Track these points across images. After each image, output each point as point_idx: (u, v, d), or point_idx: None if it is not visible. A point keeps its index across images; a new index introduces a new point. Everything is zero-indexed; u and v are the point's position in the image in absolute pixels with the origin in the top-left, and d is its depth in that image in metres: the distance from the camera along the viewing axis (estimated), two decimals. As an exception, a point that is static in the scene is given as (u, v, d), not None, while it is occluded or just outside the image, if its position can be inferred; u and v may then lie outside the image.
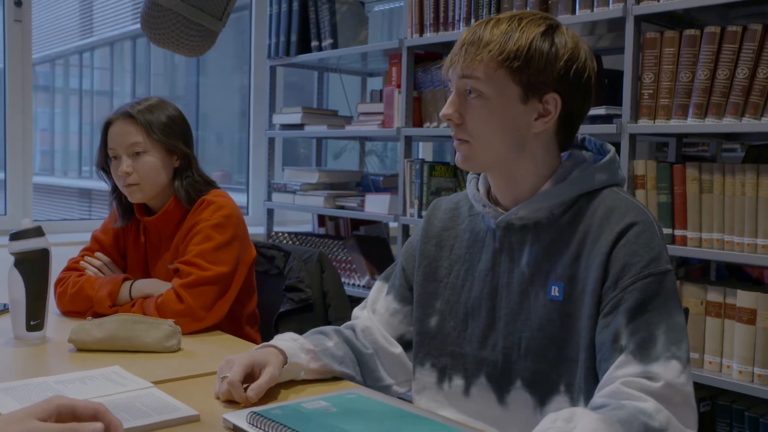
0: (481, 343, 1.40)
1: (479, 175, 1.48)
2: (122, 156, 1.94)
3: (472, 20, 2.79)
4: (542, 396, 1.32)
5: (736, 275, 2.96)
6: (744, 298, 2.14)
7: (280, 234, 3.66)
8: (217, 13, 0.90)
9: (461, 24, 2.84)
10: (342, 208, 3.40)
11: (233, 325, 1.98)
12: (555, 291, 1.31)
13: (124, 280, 1.93)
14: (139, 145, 1.93)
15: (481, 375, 1.40)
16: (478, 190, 1.45)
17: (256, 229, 3.65)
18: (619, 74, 2.41)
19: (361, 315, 1.59)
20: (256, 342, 1.96)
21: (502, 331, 1.37)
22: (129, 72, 6.09)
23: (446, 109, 1.34)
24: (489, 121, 1.32)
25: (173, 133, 1.98)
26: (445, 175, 3.09)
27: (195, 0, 0.89)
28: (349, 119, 3.55)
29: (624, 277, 1.24)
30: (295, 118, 3.52)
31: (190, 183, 1.98)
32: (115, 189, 2.03)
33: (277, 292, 2.16)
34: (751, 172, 2.12)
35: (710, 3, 2.18)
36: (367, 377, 1.50)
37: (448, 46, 2.92)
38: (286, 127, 3.62)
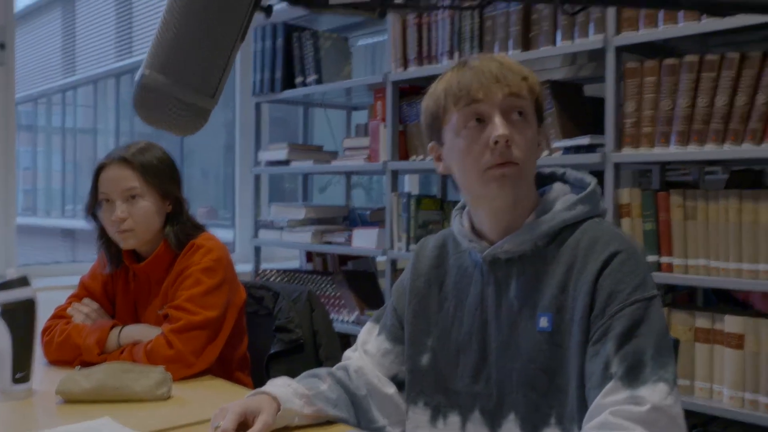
0: (474, 377, 1.40)
1: (463, 210, 1.49)
2: (116, 201, 1.92)
3: (456, 54, 2.82)
4: (533, 429, 1.32)
5: (723, 300, 2.97)
6: (732, 324, 2.15)
7: (268, 271, 3.64)
8: (210, 92, 0.90)
9: (444, 58, 2.86)
10: (329, 243, 3.39)
11: (224, 368, 1.96)
12: (543, 322, 1.32)
13: (113, 326, 1.91)
14: (135, 189, 1.92)
15: (474, 410, 1.40)
16: (463, 225, 1.46)
17: (243, 267, 3.63)
18: (601, 102, 2.43)
19: (353, 356, 1.58)
20: (246, 385, 1.95)
21: (494, 364, 1.38)
22: (112, 109, 6.09)
23: (504, 129, 1.31)
24: (532, 143, 1.36)
25: (166, 178, 1.97)
26: (432, 208, 3.09)
27: (187, 80, 0.89)
28: (335, 154, 3.56)
29: (611, 304, 1.26)
30: (281, 154, 3.52)
31: (181, 228, 1.97)
32: (102, 235, 2.01)
33: (267, 333, 2.15)
34: (733, 197, 2.15)
35: (688, 33, 2.22)
36: (361, 419, 1.49)
37: (432, 79, 2.93)
38: (272, 163, 3.62)
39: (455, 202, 3.04)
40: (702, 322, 2.22)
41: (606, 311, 1.26)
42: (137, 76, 0.93)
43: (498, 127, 1.31)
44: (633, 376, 1.20)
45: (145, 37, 5.43)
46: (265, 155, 3.63)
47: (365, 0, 0.84)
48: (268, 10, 0.93)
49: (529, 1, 0.81)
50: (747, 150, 2.12)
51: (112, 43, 5.74)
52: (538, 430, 1.32)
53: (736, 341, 2.14)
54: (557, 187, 1.42)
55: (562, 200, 1.38)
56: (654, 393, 1.19)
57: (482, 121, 1.34)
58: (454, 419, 1.42)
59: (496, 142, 1.31)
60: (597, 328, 1.26)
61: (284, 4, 0.93)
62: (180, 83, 0.90)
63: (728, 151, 2.16)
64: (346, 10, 0.87)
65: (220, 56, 0.91)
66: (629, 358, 1.22)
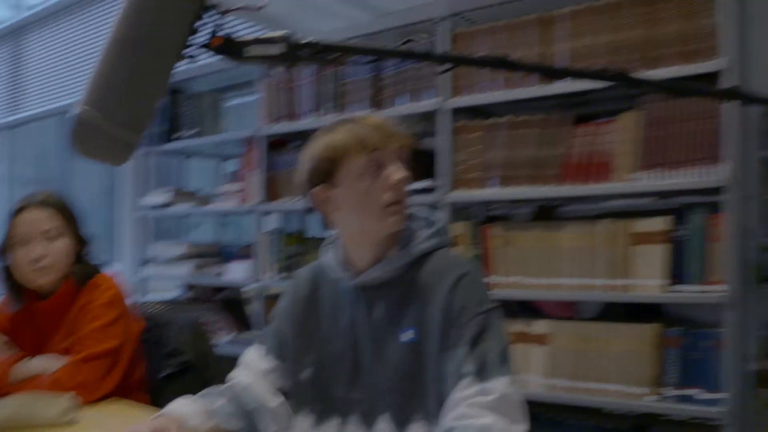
0: (350, 386, 1.42)
1: (332, 244, 1.52)
2: (35, 240, 1.81)
3: (319, 112, 2.86)
4: (402, 424, 1.35)
5: (529, 309, 3.13)
6: (538, 326, 2.29)
7: (153, 302, 3.50)
8: (137, 128, 0.89)
9: (309, 115, 2.89)
10: (206, 275, 3.32)
11: (125, 391, 1.86)
12: (407, 335, 1.36)
13: (20, 358, 1.78)
14: (54, 230, 1.82)
15: (352, 413, 1.41)
16: (334, 257, 1.49)
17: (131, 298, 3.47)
18: (430, 153, 2.51)
19: (242, 374, 1.56)
20: (145, 404, 1.87)
21: (367, 374, 1.40)
22: (5, 159, 5.67)
23: (404, 173, 1.37)
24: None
25: (77, 220, 1.89)
26: (296, 243, 3.09)
27: (119, 118, 0.87)
28: (210, 197, 3.49)
29: (462, 316, 1.31)
30: (164, 198, 3.42)
31: (85, 266, 1.88)
32: (9, 276, 1.88)
33: (159, 358, 2.07)
34: (539, 228, 2.29)
35: (504, 99, 2.36)
36: (254, 429, 1.47)
37: (298, 134, 2.96)
38: (155, 206, 3.50)
39: (314, 238, 3.08)
40: (517, 327, 2.33)
41: (458, 322, 1.31)
42: (74, 111, 0.90)
43: (399, 171, 1.37)
44: (482, 372, 1.26)
45: (33, 95, 5.13)
46: (151, 199, 3.51)
47: (278, 53, 0.86)
48: (192, 58, 0.92)
49: (407, 58, 0.87)
50: (548, 190, 2.27)
51: (2, 101, 5.38)
52: (406, 426, 1.35)
53: (541, 340, 2.27)
54: (413, 223, 1.47)
55: (418, 234, 1.43)
56: (499, 385, 1.24)
57: (382, 166, 1.37)
58: (334, 422, 1.43)
59: (396, 184, 1.36)
60: (451, 336, 1.31)
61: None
62: (111, 119, 0.88)
63: (535, 191, 2.30)
64: (261, 62, 0.89)
65: (147, 97, 0.90)
66: (479, 359, 1.27)
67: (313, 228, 3.39)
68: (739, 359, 1.94)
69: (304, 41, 0.85)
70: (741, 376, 1.94)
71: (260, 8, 0.84)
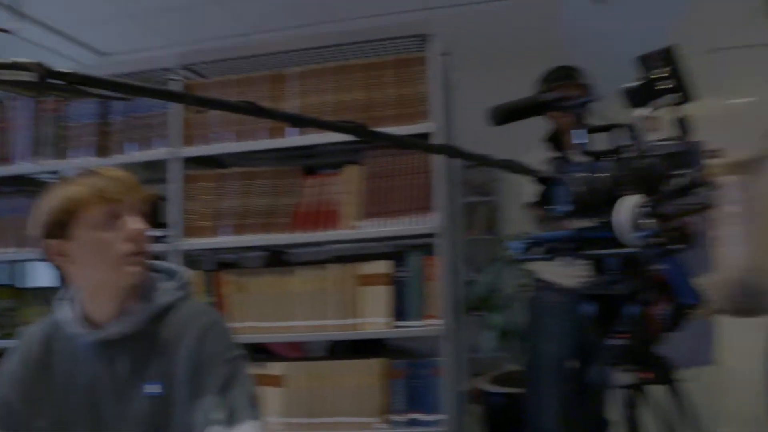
0: None
1: (66, 299, 1.37)
2: None
3: (38, 155, 2.51)
4: None
5: (259, 351, 3.07)
6: (273, 368, 2.27)
7: None
8: None
9: (24, 159, 2.52)
10: None
11: None
12: (153, 388, 1.29)
13: None
14: None
15: None
16: (71, 313, 1.34)
17: None
18: (159, 201, 2.38)
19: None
20: None
21: (109, 431, 1.29)
22: None
23: (142, 225, 1.30)
24: None
25: None
26: (8, 297, 2.65)
27: None
28: None
29: (209, 365, 1.28)
30: None
31: None
32: None
33: None
34: (270, 274, 2.28)
35: (236, 151, 2.32)
36: None
37: (8, 180, 2.56)
38: None
39: (29, 290, 2.67)
40: (254, 370, 2.27)
41: (205, 370, 1.27)
42: None
43: (138, 222, 1.30)
44: (231, 419, 1.24)
45: None
46: None
47: (29, 80, 0.72)
48: None
49: (165, 98, 0.79)
50: (280, 237, 2.26)
51: None
52: None
53: (277, 381, 2.25)
54: (154, 275, 1.39)
55: (160, 286, 1.37)
56: (249, 429, 1.23)
57: (119, 218, 1.29)
58: None
59: (135, 234, 1.29)
60: (199, 385, 1.26)
61: None
62: None
63: (268, 238, 2.28)
64: (9, 88, 0.74)
65: None
66: (227, 405, 1.24)
67: (28, 279, 2.96)
68: (454, 382, 2.09)
69: (60, 70, 0.73)
70: (456, 396, 2.10)
71: (7, 31, 0.70)
